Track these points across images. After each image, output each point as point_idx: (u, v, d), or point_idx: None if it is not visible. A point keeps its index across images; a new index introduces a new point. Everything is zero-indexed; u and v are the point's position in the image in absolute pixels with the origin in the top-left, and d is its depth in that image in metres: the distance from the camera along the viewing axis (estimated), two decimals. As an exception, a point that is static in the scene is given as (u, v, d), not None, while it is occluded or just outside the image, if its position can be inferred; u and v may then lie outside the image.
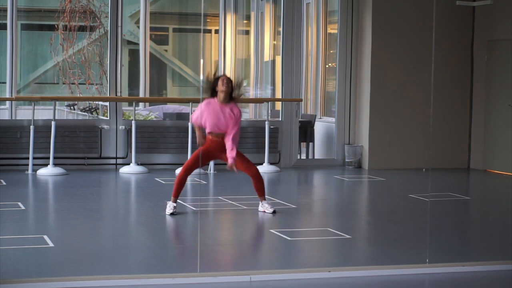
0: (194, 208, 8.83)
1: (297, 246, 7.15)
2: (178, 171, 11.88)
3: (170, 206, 8.43)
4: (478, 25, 13.25)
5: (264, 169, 12.30)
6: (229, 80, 8.41)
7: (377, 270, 6.10)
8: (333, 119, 13.58)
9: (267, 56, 16.10)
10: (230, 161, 8.31)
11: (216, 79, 8.40)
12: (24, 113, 13.99)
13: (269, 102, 13.86)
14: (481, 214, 9.37)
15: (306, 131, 13.54)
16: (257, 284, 5.73)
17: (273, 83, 15.45)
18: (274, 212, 8.54)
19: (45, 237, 7.05)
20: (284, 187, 11.29)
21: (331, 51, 14.85)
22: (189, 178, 11.41)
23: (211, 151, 8.50)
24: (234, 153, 8.31)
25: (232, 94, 8.42)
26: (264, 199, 8.64)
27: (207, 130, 8.46)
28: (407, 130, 13.07)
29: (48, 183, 10.85)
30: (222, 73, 8.61)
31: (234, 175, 11.75)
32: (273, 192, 10.58)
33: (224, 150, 8.42)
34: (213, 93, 8.42)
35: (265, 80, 15.97)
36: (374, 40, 12.85)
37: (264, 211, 8.57)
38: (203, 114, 8.39)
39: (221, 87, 8.34)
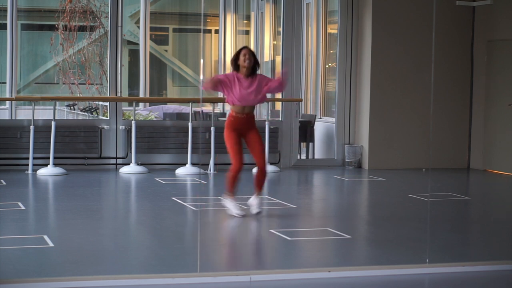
0: (194, 208, 8.83)
1: (297, 246, 7.15)
2: (178, 171, 11.93)
3: (235, 208, 8.16)
4: (478, 25, 13.25)
5: (264, 169, 12.29)
6: (251, 53, 8.08)
7: (377, 270, 6.10)
8: (333, 119, 13.58)
9: (267, 56, 16.10)
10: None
11: (238, 53, 8.09)
12: (24, 113, 14.00)
13: (269, 102, 13.86)
14: (481, 214, 9.36)
15: (306, 131, 13.54)
16: (257, 284, 5.73)
17: (273, 83, 15.42)
18: (257, 213, 8.25)
19: (45, 237, 7.05)
20: (284, 187, 11.28)
21: (331, 51, 14.85)
22: (189, 178, 11.49)
23: (238, 131, 8.13)
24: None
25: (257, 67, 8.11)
26: (259, 194, 8.34)
27: (232, 104, 8.05)
28: (407, 130, 13.07)
29: (48, 183, 10.84)
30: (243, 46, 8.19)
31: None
32: (273, 192, 10.58)
33: (250, 126, 8.12)
34: (237, 67, 8.11)
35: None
36: (374, 40, 12.85)
37: (250, 207, 8.28)
38: (226, 82, 7.99)
39: (242, 62, 8.05)
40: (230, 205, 8.27)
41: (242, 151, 8.18)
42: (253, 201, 8.37)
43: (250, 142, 8.23)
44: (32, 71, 15.93)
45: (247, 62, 8.05)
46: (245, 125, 8.16)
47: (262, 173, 8.24)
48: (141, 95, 16.65)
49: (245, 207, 8.43)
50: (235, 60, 8.12)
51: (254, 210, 8.30)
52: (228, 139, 8.17)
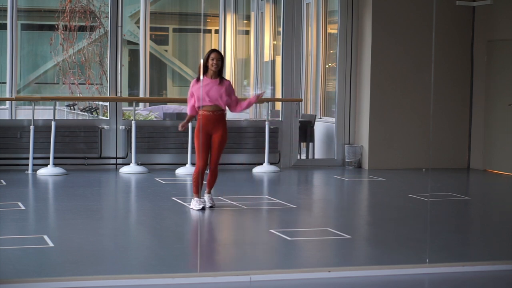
0: (194, 208, 8.82)
1: (297, 246, 7.15)
2: (178, 171, 11.93)
3: (197, 202, 8.54)
4: (478, 25, 13.25)
5: (264, 169, 12.30)
6: (219, 57, 8.45)
7: (377, 270, 6.10)
8: (333, 119, 13.58)
9: (267, 56, 16.10)
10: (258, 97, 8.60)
11: (208, 55, 8.47)
12: (24, 113, 14.00)
13: (269, 102, 13.86)
14: (481, 214, 9.37)
15: (306, 131, 13.54)
16: (257, 284, 5.73)
17: (273, 83, 15.45)
18: (211, 207, 8.66)
19: (45, 237, 7.05)
20: (284, 187, 11.28)
21: (331, 51, 14.85)
22: (188, 178, 11.48)
23: (206, 129, 8.45)
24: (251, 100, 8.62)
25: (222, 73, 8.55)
26: (209, 193, 8.72)
27: (197, 105, 8.45)
28: (407, 130, 13.07)
29: (48, 183, 10.85)
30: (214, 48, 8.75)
31: (234, 175, 11.77)
32: (273, 192, 10.58)
33: (216, 124, 8.43)
34: (206, 69, 8.50)
35: (265, 80, 15.97)
36: (374, 40, 12.85)
37: (206, 203, 8.68)
38: (193, 95, 8.47)
39: (210, 66, 8.45)
40: (196, 203, 8.59)
41: (207, 151, 8.52)
42: (205, 197, 8.74)
43: (212, 142, 8.54)
44: (32, 71, 15.93)
45: (215, 67, 8.45)
46: (212, 124, 8.46)
47: (212, 173, 8.62)
48: (141, 95, 16.65)
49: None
50: (205, 62, 8.48)
51: (208, 204, 8.69)
52: (196, 138, 8.63)
